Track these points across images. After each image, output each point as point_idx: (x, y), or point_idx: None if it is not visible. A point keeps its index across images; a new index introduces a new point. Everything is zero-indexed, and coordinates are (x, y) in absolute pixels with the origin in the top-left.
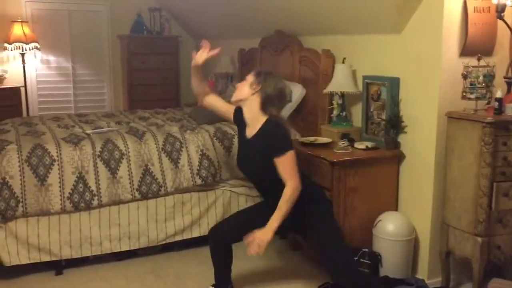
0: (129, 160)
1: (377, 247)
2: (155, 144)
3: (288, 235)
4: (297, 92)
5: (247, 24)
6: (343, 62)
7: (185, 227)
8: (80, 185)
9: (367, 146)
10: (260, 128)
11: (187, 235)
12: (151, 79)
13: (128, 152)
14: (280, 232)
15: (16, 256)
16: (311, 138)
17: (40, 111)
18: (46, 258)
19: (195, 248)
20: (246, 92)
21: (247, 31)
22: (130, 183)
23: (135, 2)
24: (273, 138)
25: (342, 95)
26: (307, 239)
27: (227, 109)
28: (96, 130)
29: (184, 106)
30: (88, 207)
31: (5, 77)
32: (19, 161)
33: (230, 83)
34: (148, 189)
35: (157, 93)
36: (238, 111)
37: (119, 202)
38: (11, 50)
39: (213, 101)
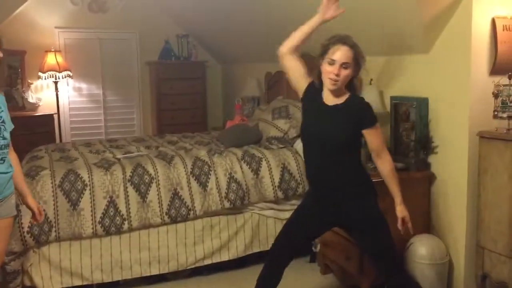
0: (159, 184)
1: (410, 271)
2: (184, 168)
3: (317, 258)
4: None
5: (273, 47)
6: (370, 83)
7: (214, 251)
8: (111, 209)
9: (396, 168)
10: (347, 99)
11: (216, 259)
12: (179, 104)
13: (158, 176)
14: (324, 227)
15: (49, 280)
16: None
17: (72, 137)
18: (78, 282)
19: (224, 272)
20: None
21: (273, 54)
22: (159, 207)
23: (163, 29)
24: (366, 109)
25: None
26: (353, 233)
27: (303, 78)
28: (126, 155)
29: (211, 129)
30: (119, 231)
31: (39, 105)
32: (52, 187)
33: (257, 106)
34: (177, 212)
35: (185, 117)
36: (311, 86)
37: (149, 226)
38: (45, 78)
39: (295, 63)
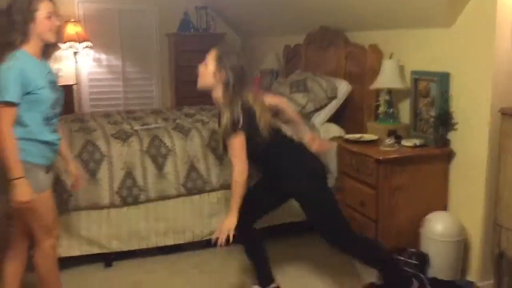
0: (175, 156)
1: (425, 248)
2: (201, 140)
3: None
4: (342, 88)
5: (292, 20)
6: (391, 58)
7: None
8: (128, 180)
9: (415, 144)
10: None
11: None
12: (197, 76)
13: (174, 148)
14: (276, 198)
15: (68, 248)
16: (357, 135)
17: (91, 108)
18: (96, 250)
19: (239, 244)
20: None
21: (292, 27)
22: (176, 178)
23: (182, 1)
24: None
25: (390, 92)
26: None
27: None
28: (144, 127)
29: None
30: (136, 202)
31: (59, 75)
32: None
33: (275, 79)
34: (194, 184)
35: (203, 90)
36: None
37: (165, 197)
38: (65, 49)
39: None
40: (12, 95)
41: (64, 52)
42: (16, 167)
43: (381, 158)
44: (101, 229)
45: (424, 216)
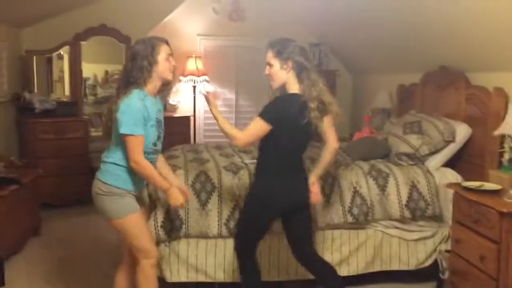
0: None
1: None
2: None
3: (444, 286)
4: (461, 132)
5: (409, 59)
6: None
7: (334, 265)
8: (236, 212)
9: None
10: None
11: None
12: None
13: None
14: None
15: (177, 274)
16: (477, 183)
17: (205, 138)
18: (202, 278)
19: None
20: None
21: (408, 66)
22: None
23: (297, 38)
24: (268, 105)
25: None
26: None
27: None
28: (253, 161)
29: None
30: None
31: (178, 107)
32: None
33: (387, 119)
34: None
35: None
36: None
37: (270, 233)
38: (185, 82)
39: None
40: (140, 129)
41: (184, 85)
42: (159, 181)
43: (505, 211)
44: (208, 258)
45: None
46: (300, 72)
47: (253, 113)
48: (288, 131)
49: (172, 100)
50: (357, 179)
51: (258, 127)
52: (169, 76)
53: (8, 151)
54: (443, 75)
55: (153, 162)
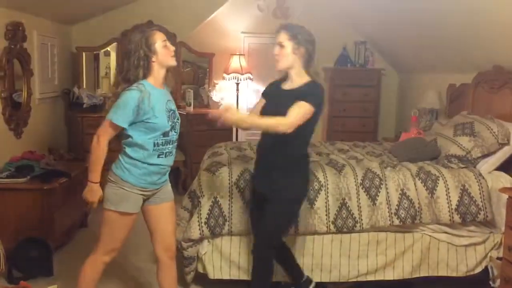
0: (327, 192)
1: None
2: (354, 178)
3: None
4: None
5: (460, 58)
6: None
7: (378, 268)
8: None
9: None
10: (303, 84)
11: (379, 276)
12: (350, 111)
13: (327, 184)
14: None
15: (219, 270)
16: None
17: (247, 135)
18: (243, 276)
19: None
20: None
21: (459, 65)
22: (326, 215)
23: (342, 36)
24: (310, 90)
25: None
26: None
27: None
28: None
29: (382, 140)
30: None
31: (221, 104)
32: (229, 183)
33: (435, 120)
34: (344, 223)
35: (355, 125)
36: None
37: (314, 233)
38: (229, 79)
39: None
40: (118, 119)
41: (228, 82)
42: (95, 171)
43: None
44: (250, 257)
45: None
46: (308, 61)
47: None
48: (316, 118)
49: (215, 96)
50: (404, 181)
51: (305, 110)
52: (172, 62)
53: (57, 144)
54: (496, 75)
55: (167, 154)
